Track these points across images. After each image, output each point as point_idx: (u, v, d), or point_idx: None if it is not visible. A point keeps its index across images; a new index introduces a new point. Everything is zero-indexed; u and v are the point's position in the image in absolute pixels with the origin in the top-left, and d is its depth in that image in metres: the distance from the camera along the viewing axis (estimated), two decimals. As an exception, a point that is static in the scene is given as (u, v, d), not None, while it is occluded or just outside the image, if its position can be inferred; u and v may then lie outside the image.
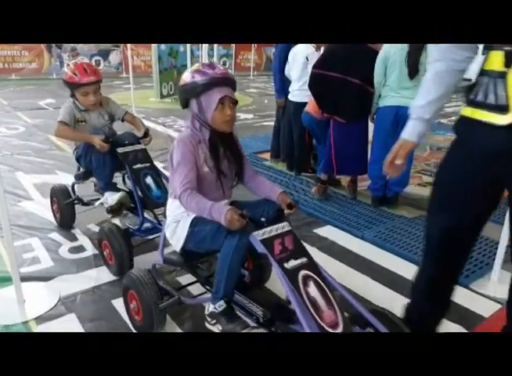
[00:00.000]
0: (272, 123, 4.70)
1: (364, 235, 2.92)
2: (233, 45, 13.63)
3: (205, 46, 5.01)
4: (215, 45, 5.13)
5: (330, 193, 3.63)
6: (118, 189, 2.61)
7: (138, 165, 2.50)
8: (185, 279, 2.22)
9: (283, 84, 4.05)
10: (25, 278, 2.22)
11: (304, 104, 3.68)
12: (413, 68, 3.02)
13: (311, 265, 1.53)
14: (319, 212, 3.26)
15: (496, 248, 2.41)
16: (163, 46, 8.02)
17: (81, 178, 2.74)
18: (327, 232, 3.00)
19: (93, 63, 2.75)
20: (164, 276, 2.19)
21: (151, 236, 2.45)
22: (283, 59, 3.92)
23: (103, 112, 2.69)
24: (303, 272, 1.47)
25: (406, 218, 3.19)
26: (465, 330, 1.91)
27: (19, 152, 4.59)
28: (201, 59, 5.34)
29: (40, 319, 1.99)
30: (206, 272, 1.95)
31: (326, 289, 1.47)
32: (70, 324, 1.96)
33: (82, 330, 1.92)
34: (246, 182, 1.86)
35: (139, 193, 2.43)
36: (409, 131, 1.45)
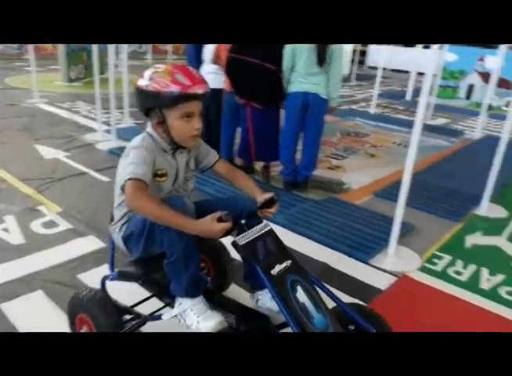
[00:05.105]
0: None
1: (275, 219, 2.96)
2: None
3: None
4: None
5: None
6: (202, 286, 1.54)
7: (278, 267, 1.43)
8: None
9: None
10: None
11: (217, 90, 3.57)
12: (321, 56, 3.09)
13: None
14: (232, 198, 3.25)
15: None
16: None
17: (136, 278, 1.65)
18: (240, 217, 3.01)
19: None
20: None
21: None
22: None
23: (192, 157, 1.65)
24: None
25: (314, 200, 3.32)
26: (363, 303, 2.01)
27: None
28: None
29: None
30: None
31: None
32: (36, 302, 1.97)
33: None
34: None
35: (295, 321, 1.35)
36: None
